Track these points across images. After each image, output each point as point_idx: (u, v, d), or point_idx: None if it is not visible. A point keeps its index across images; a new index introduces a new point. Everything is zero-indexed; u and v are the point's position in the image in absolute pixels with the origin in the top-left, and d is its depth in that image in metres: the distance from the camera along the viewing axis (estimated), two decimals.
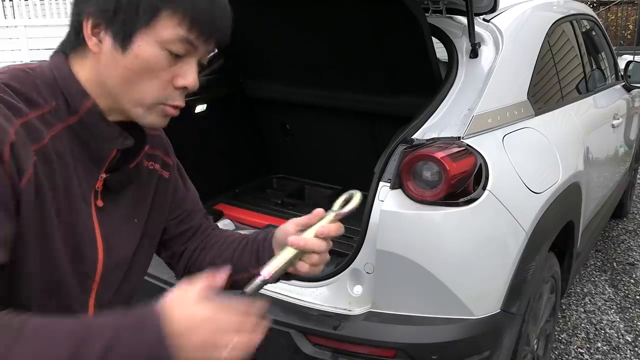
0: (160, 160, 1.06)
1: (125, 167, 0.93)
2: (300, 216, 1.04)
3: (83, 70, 0.86)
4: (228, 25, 0.90)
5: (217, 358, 0.73)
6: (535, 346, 2.18)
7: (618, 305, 3.23)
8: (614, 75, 3.70)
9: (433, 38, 2.08)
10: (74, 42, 0.87)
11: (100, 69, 0.85)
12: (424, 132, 1.82)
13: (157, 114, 0.87)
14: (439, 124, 1.85)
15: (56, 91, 0.84)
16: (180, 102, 0.88)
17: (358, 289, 1.78)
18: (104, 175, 0.90)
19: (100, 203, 0.91)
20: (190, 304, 0.75)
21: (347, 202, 1.10)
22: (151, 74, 0.83)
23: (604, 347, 2.83)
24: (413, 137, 1.79)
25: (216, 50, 2.65)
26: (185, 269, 1.18)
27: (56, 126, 0.82)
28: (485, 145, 1.79)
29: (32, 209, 0.78)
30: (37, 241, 0.80)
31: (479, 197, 1.69)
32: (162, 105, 0.86)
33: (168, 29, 0.82)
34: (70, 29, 0.88)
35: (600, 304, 3.24)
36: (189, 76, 0.86)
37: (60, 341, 0.67)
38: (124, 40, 0.81)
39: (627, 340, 2.90)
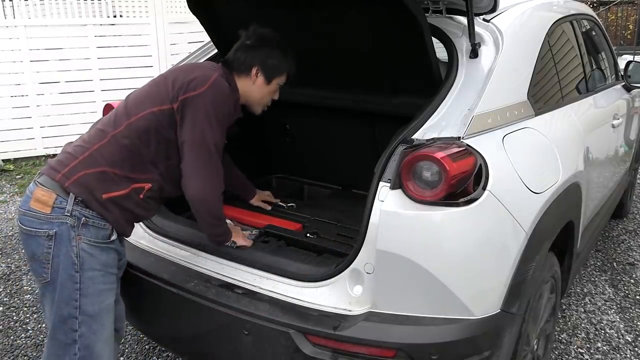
0: None
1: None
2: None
3: (240, 83, 2.03)
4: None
5: None
6: (535, 346, 2.18)
7: (618, 305, 3.23)
8: (614, 75, 3.70)
9: (433, 38, 2.08)
10: (239, 70, 2.02)
11: (251, 88, 2.05)
12: (424, 132, 1.82)
13: (261, 108, 2.18)
14: (439, 124, 1.85)
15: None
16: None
17: (358, 289, 1.78)
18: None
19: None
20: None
21: None
22: (270, 94, 2.12)
23: (604, 347, 2.83)
24: (413, 137, 1.79)
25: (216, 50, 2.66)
26: None
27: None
28: (485, 145, 1.80)
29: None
30: None
31: (479, 197, 1.69)
32: (264, 105, 2.16)
33: (282, 78, 2.10)
34: (242, 62, 2.01)
35: (600, 304, 3.24)
36: (277, 95, 2.17)
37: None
38: (268, 80, 2.05)
39: (627, 340, 2.90)
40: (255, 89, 2.05)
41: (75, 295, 1.77)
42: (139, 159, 1.85)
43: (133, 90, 2.09)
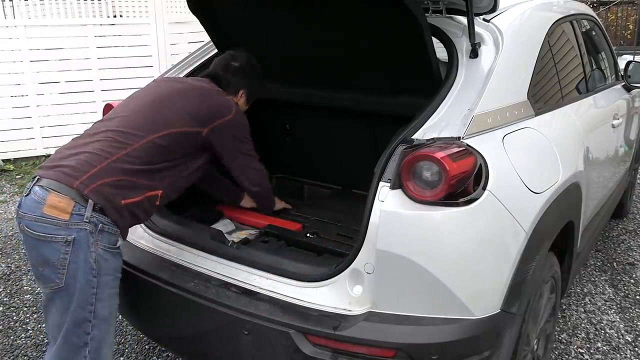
0: None
1: None
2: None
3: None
4: None
5: None
6: (535, 346, 2.18)
7: (618, 305, 3.23)
8: (614, 75, 3.70)
9: (433, 38, 2.08)
10: (227, 89, 2.26)
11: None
12: (424, 132, 1.82)
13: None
14: (439, 124, 1.85)
15: None
16: None
17: (358, 289, 1.78)
18: None
19: None
20: None
21: None
22: (246, 107, 2.40)
23: (604, 347, 2.83)
24: (413, 137, 1.79)
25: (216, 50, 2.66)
26: None
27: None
28: (485, 145, 1.80)
29: None
30: None
31: (479, 197, 1.69)
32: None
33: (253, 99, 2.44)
34: (229, 83, 2.28)
35: (600, 304, 3.24)
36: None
37: None
38: (248, 100, 2.38)
39: (627, 340, 2.90)
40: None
41: (91, 300, 1.80)
42: (157, 170, 1.94)
43: (134, 92, 2.17)
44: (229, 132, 2.12)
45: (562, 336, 2.91)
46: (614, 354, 2.78)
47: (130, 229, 1.95)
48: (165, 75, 2.61)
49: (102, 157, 1.84)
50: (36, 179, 1.84)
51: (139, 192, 1.87)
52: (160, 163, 1.93)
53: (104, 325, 1.85)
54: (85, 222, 1.76)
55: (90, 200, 1.77)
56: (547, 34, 2.45)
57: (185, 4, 2.41)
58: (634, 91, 3.74)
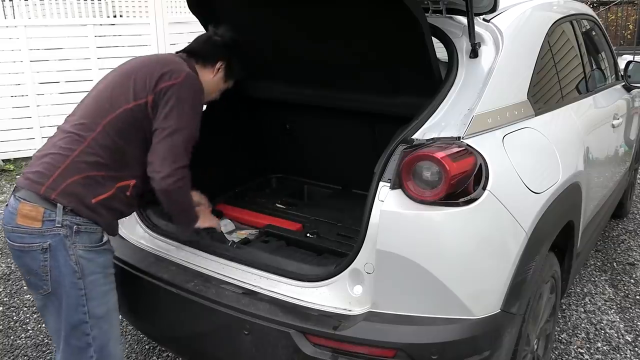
0: None
1: None
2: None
3: (202, 74, 2.04)
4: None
5: None
6: (535, 346, 2.18)
7: (618, 305, 3.23)
8: (614, 75, 3.70)
9: (433, 38, 2.08)
10: (204, 60, 2.06)
11: (208, 80, 2.07)
12: (424, 132, 1.82)
13: (215, 97, 2.20)
14: (439, 124, 1.85)
15: None
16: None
17: (358, 289, 1.78)
18: None
19: None
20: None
21: None
22: (219, 92, 2.20)
23: (604, 347, 2.83)
24: (413, 137, 1.79)
25: None
26: None
27: None
28: (485, 145, 1.80)
29: None
30: None
31: (479, 197, 1.69)
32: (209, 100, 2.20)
33: (231, 82, 2.19)
34: (207, 54, 2.07)
35: (600, 304, 3.24)
36: (218, 96, 2.23)
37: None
38: (227, 77, 2.14)
39: (627, 340, 2.90)
40: (213, 82, 2.10)
41: (82, 301, 1.78)
42: (123, 157, 1.84)
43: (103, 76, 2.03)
44: (172, 98, 1.82)
45: (562, 336, 2.91)
46: (614, 354, 2.78)
47: (130, 229, 1.95)
48: None
49: (64, 156, 1.77)
50: (15, 187, 1.81)
51: (108, 186, 1.81)
52: (122, 149, 1.82)
53: (103, 323, 1.83)
54: (58, 226, 1.73)
55: (59, 205, 1.73)
56: (547, 34, 2.45)
57: (185, 4, 2.41)
58: (634, 91, 3.74)
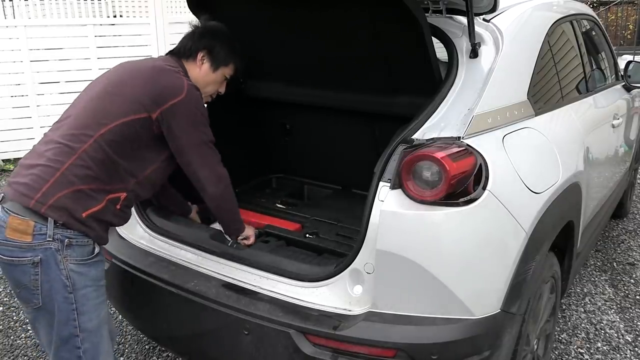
0: None
1: None
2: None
3: (190, 70, 2.04)
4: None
5: None
6: (535, 346, 2.18)
7: (618, 305, 3.23)
8: (614, 75, 3.70)
9: (433, 38, 2.08)
10: (186, 56, 2.05)
11: (196, 74, 2.05)
12: (424, 132, 1.82)
13: (208, 98, 2.15)
14: (439, 124, 1.85)
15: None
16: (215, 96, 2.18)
17: (358, 289, 1.78)
18: None
19: None
20: None
21: None
22: (216, 84, 2.13)
23: (604, 347, 2.83)
24: (413, 137, 1.79)
25: None
26: None
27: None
28: (485, 145, 1.80)
29: None
30: None
31: (479, 197, 1.69)
32: (211, 95, 2.16)
33: (228, 70, 2.12)
34: (188, 48, 2.05)
35: (600, 304, 3.24)
36: (224, 88, 2.19)
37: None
38: (213, 67, 2.08)
39: (627, 340, 2.90)
40: (201, 75, 2.06)
41: (73, 315, 1.75)
42: (115, 170, 1.80)
43: (91, 81, 1.99)
44: (183, 115, 1.85)
45: (562, 336, 2.91)
46: (614, 354, 2.78)
47: (130, 229, 1.94)
48: None
49: (54, 169, 1.71)
50: (2, 197, 1.75)
51: (99, 199, 1.77)
52: (115, 162, 1.78)
53: (94, 337, 1.80)
54: (49, 240, 1.69)
55: (49, 218, 1.69)
56: (547, 34, 2.45)
57: (185, 4, 2.40)
58: (634, 91, 3.74)
